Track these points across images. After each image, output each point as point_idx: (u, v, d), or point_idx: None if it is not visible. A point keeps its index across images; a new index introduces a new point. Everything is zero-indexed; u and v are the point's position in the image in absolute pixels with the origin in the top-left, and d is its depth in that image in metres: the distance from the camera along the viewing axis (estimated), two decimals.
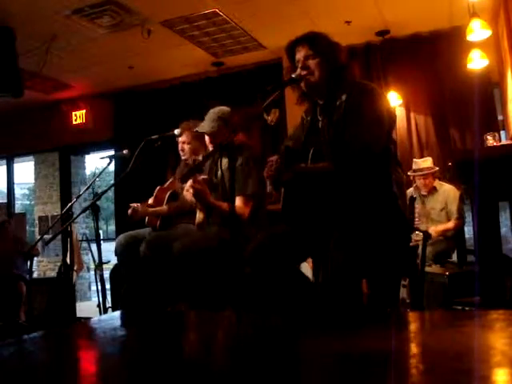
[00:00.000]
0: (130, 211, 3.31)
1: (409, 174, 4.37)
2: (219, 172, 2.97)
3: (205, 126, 3.02)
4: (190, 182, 2.79)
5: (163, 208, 3.35)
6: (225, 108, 3.10)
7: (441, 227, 4.25)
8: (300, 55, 2.11)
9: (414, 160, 4.56)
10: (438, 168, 4.40)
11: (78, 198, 3.55)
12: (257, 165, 2.87)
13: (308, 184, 2.02)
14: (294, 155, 2.11)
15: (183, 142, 3.38)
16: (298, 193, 2.07)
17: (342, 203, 1.95)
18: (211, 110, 3.07)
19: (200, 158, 3.24)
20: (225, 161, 2.96)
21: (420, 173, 4.36)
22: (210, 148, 3.04)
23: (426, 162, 4.43)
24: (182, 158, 3.46)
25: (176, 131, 3.23)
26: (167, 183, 3.59)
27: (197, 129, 3.05)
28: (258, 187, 2.81)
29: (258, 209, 2.91)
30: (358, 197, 1.94)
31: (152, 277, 3.08)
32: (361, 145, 1.93)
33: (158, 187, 3.53)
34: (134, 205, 3.35)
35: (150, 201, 3.46)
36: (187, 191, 2.83)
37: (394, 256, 2.00)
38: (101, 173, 3.69)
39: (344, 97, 2.04)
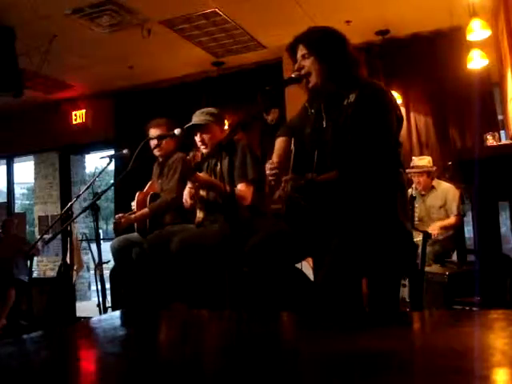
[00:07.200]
0: (114, 220, 3.38)
1: (406, 171, 4.37)
2: (218, 168, 2.97)
3: (195, 119, 3.03)
4: (188, 187, 2.81)
5: (144, 211, 3.36)
6: (211, 108, 3.14)
7: (439, 223, 4.24)
8: (299, 54, 2.05)
9: (413, 158, 4.58)
10: (434, 167, 4.41)
11: (77, 197, 3.55)
12: (253, 153, 2.90)
13: (316, 195, 1.97)
14: (300, 158, 2.04)
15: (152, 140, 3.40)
16: (304, 200, 2.03)
17: (345, 207, 1.93)
18: (197, 112, 3.09)
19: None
20: (224, 158, 2.96)
21: (415, 170, 4.38)
22: (199, 144, 3.04)
23: (422, 161, 4.45)
24: (158, 156, 3.51)
25: (176, 131, 3.23)
26: (146, 187, 3.60)
27: (187, 125, 3.05)
28: (256, 174, 2.84)
29: (258, 208, 2.90)
30: (360, 200, 1.92)
31: (152, 276, 3.08)
32: (369, 158, 1.89)
33: (137, 192, 3.54)
34: (120, 215, 3.39)
35: (134, 206, 3.47)
36: (187, 193, 2.84)
37: (394, 256, 1.99)
38: (101, 172, 3.68)
39: (353, 97, 1.93)
